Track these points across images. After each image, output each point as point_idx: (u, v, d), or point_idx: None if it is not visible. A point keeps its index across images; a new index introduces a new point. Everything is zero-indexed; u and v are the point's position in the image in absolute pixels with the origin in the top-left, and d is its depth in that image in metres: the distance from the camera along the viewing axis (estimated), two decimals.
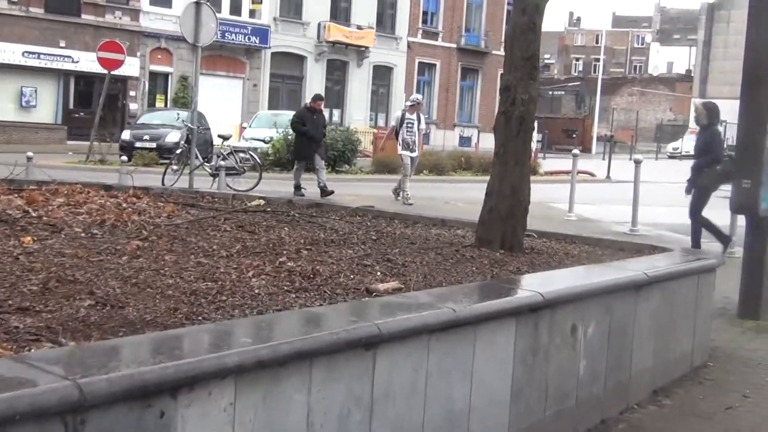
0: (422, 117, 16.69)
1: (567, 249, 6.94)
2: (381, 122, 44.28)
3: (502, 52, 49.20)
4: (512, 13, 6.57)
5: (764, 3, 7.26)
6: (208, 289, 4.42)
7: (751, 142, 7.46)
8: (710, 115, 10.84)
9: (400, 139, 16.24)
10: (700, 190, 10.77)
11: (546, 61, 69.85)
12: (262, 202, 9.09)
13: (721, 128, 10.80)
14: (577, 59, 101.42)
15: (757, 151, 7.40)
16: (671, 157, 51.61)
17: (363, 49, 43.10)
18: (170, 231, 6.39)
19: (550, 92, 76.32)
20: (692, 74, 79.01)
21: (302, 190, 15.37)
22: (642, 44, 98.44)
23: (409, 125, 16.11)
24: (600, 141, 53.52)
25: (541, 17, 6.50)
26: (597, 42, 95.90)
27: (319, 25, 41.49)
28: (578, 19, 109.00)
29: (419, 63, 46.56)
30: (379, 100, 45.62)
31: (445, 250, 6.36)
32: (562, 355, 4.62)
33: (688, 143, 53.34)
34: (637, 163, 14.06)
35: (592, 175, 28.93)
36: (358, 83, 43.86)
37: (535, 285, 4.55)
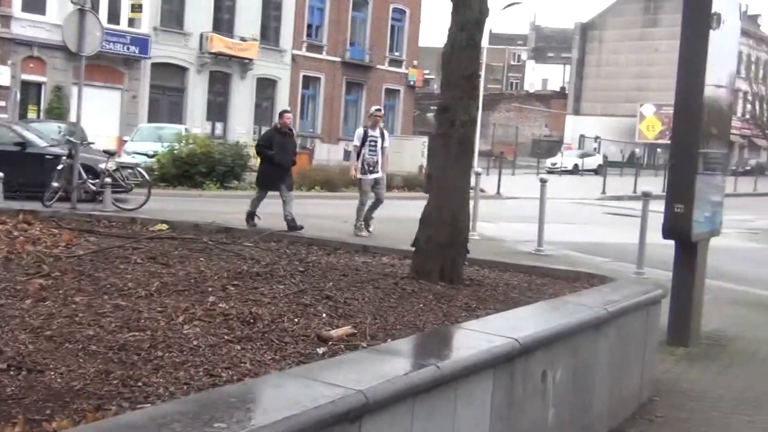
0: (386, 133, 14.16)
1: (504, 278, 6.58)
2: None
3: (386, 67, 49.47)
4: (449, 29, 6.15)
5: (697, 27, 7.09)
6: (137, 341, 3.79)
7: (683, 165, 7.28)
8: None
9: (360, 160, 13.76)
10: None
11: (426, 77, 70.44)
12: (164, 226, 8.39)
13: None
14: None
15: (689, 175, 7.22)
16: (550, 171, 52.57)
17: (246, 61, 42.17)
18: (74, 265, 5.68)
19: (432, 108, 77.04)
20: (566, 91, 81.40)
21: (256, 219, 12.83)
22: (518, 61, 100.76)
23: (372, 144, 13.67)
24: (481, 156, 54.14)
25: (481, 33, 6.12)
26: None
27: (201, 35, 40.34)
28: None
29: (304, 76, 45.93)
30: (263, 113, 44.72)
31: (382, 282, 5.88)
32: (534, 405, 4.21)
33: (567, 159, 54.80)
34: (543, 182, 13.92)
35: (482, 191, 28.99)
36: (242, 96, 42.90)
37: (506, 329, 4.11)
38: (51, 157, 16.47)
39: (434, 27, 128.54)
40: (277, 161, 13.16)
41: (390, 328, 4.48)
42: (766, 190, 37.78)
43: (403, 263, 7.04)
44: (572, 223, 19.82)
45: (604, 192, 31.62)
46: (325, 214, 15.83)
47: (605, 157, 46.18)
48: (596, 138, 66.08)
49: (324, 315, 4.65)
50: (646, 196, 11.99)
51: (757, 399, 6.22)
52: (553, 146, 72.01)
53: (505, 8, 47.68)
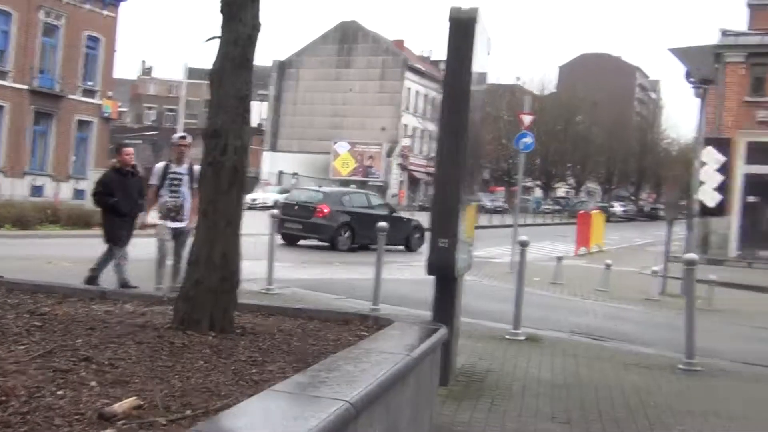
0: (196, 169, 10.07)
1: (274, 324, 5.91)
2: None
3: (78, 97, 46.63)
4: (221, 45, 5.46)
5: (462, 52, 6.94)
6: None
7: (446, 198, 7.07)
8: None
9: (159, 202, 10.77)
10: None
11: (120, 109, 67.58)
12: None
13: None
14: (150, 108, 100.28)
15: (453, 209, 7.03)
16: (251, 207, 52.26)
17: None
18: None
19: (126, 140, 74.17)
20: (263, 128, 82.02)
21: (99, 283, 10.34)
22: None
23: (175, 182, 10.66)
24: None
25: (254, 50, 5.50)
26: (170, 92, 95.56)
27: None
28: (150, 68, 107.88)
29: None
30: None
31: (141, 335, 4.99)
32: None
33: (267, 195, 54.95)
34: (274, 217, 13.45)
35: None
36: None
37: (332, 390, 3.49)
38: None
39: (125, 59, 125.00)
40: (124, 211, 10.91)
41: (180, 395, 3.67)
42: None
43: (152, 311, 6.15)
44: (292, 261, 19.48)
45: None
46: (26, 255, 14.16)
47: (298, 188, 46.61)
48: (294, 174, 67.06)
49: (93, 383, 3.73)
50: (382, 231, 11.85)
51: None
52: (251, 182, 72.04)
53: (207, 41, 46.97)
